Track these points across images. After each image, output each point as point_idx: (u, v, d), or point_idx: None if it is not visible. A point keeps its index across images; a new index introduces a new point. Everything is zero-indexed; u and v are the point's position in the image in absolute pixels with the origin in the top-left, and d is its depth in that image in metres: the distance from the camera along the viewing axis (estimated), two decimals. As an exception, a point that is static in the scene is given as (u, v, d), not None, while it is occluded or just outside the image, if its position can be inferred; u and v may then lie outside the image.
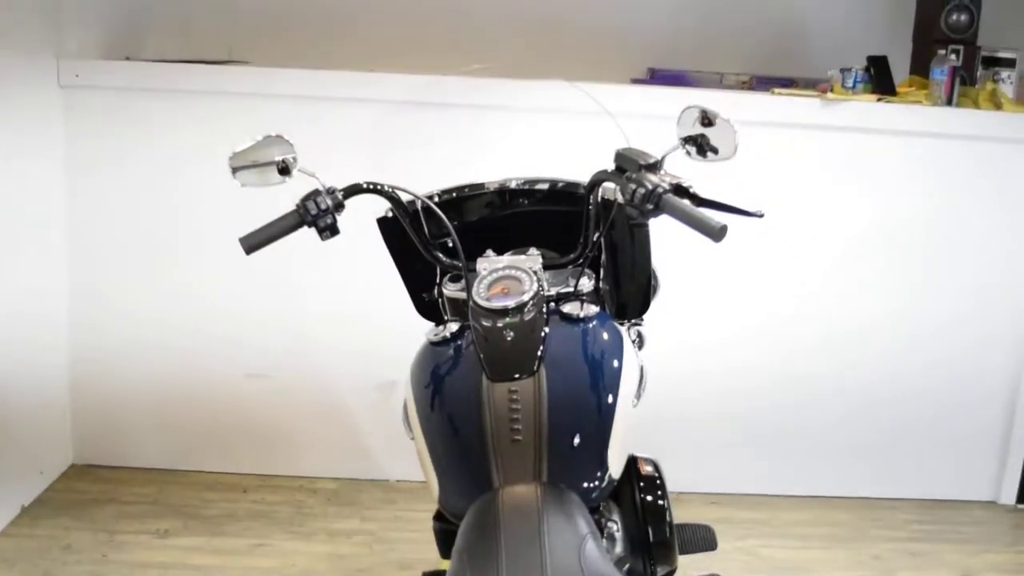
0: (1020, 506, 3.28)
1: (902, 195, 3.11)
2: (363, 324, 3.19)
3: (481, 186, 1.88)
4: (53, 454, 3.32)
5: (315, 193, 1.61)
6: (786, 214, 3.01)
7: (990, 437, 3.27)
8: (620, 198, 1.55)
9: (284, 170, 1.63)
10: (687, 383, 3.10)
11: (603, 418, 1.41)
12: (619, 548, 1.50)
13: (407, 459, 3.18)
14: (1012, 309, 3.17)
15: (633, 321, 1.86)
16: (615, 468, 1.40)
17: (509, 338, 1.46)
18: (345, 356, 3.24)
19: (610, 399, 1.44)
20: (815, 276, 3.17)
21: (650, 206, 1.44)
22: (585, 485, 1.34)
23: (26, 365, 3.14)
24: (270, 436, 3.31)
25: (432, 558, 2.26)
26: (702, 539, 1.82)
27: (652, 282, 1.84)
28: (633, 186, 1.46)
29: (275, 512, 3.10)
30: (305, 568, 2.78)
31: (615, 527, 1.49)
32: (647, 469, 1.65)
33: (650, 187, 1.43)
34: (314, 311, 3.23)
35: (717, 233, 1.34)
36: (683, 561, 1.70)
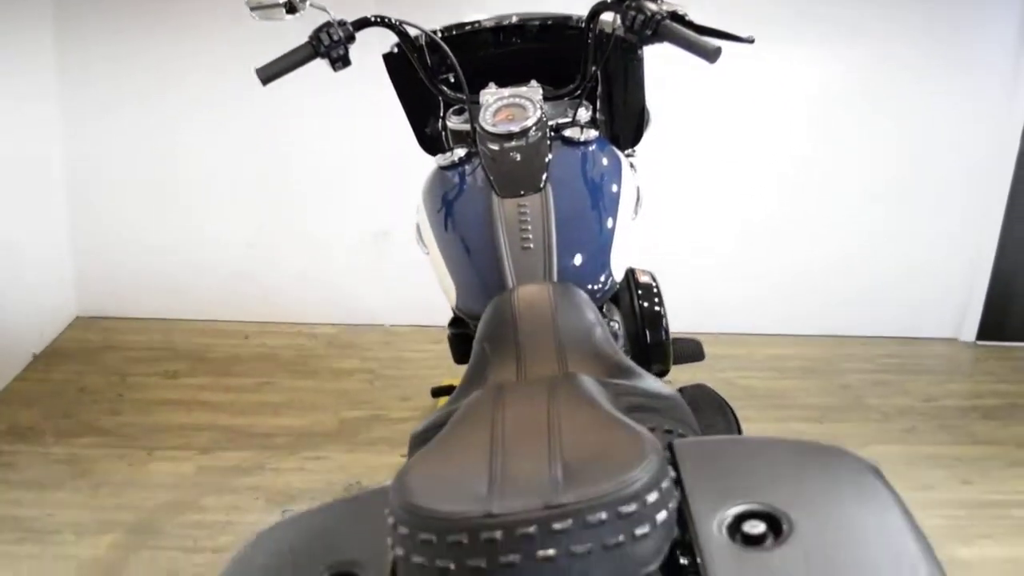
0: (979, 342, 3.47)
1: (872, 46, 3.19)
2: (356, 179, 3.28)
3: (479, 23, 1.96)
4: (59, 306, 3.44)
5: (327, 25, 1.69)
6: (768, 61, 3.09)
7: (953, 278, 3.44)
8: (619, 25, 1.65)
9: (291, 8, 1.70)
10: (665, 223, 3.22)
11: (605, 226, 1.54)
12: (620, 344, 1.65)
13: (402, 306, 3.39)
14: (977, 149, 3.29)
15: (626, 152, 1.97)
16: (617, 272, 1.53)
17: (516, 158, 1.58)
18: (339, 210, 3.35)
19: (611, 209, 1.57)
20: (790, 123, 3.27)
21: (648, 32, 1.55)
22: (590, 286, 1.47)
23: (30, 218, 3.23)
24: (270, 286, 3.44)
25: (433, 383, 2.43)
26: (691, 351, 1.98)
27: (644, 115, 1.95)
28: (632, 13, 1.56)
29: (278, 355, 3.25)
30: (312, 402, 2.95)
31: (617, 326, 1.64)
32: (644, 279, 1.80)
33: (649, 14, 1.54)
34: (310, 167, 3.32)
35: (712, 54, 1.46)
36: (672, 372, 1.86)
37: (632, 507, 0.81)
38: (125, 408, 2.92)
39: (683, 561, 1.01)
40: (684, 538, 1.04)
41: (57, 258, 3.41)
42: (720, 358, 3.24)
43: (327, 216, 3.36)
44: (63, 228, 3.41)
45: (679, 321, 3.31)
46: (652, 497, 0.82)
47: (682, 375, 2.07)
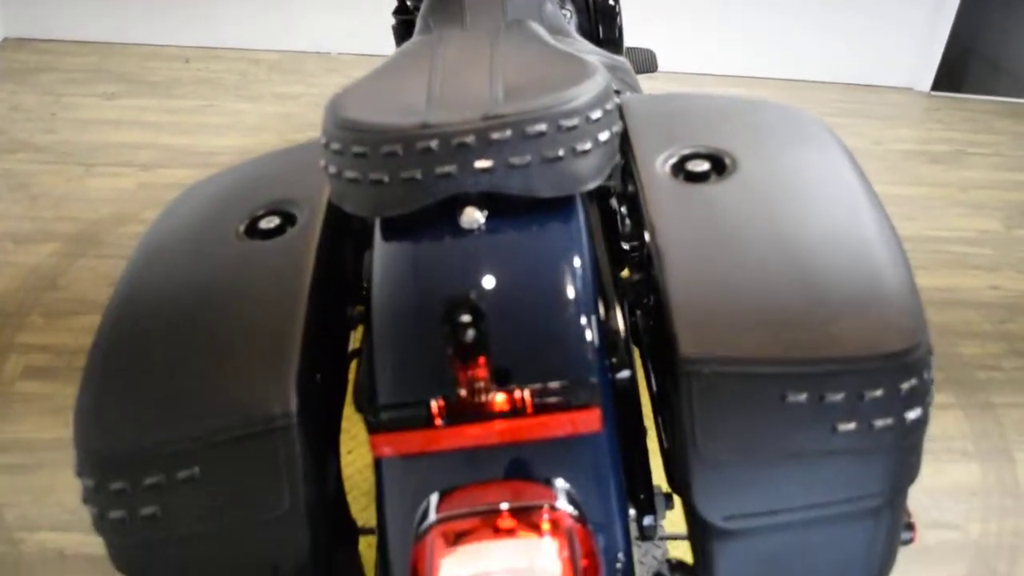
0: (934, 93, 3.45)
1: None
2: None
3: None
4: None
5: None
6: None
7: (915, 28, 3.37)
8: None
9: None
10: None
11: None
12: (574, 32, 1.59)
13: (349, 34, 3.24)
14: None
15: None
16: None
17: None
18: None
19: None
20: None
21: None
22: None
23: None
24: (213, 11, 3.26)
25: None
26: (645, 59, 1.93)
27: None
28: None
29: (221, 79, 3.13)
30: (255, 124, 2.87)
31: (569, 15, 1.57)
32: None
33: None
34: None
35: None
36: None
37: (574, 121, 0.78)
38: (60, 127, 2.82)
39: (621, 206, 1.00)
40: (627, 189, 1.02)
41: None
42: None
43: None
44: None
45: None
46: (595, 115, 0.79)
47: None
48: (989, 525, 1.74)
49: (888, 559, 0.79)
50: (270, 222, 0.90)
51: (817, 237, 0.80)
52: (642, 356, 0.93)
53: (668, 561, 0.74)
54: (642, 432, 0.91)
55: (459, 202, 0.78)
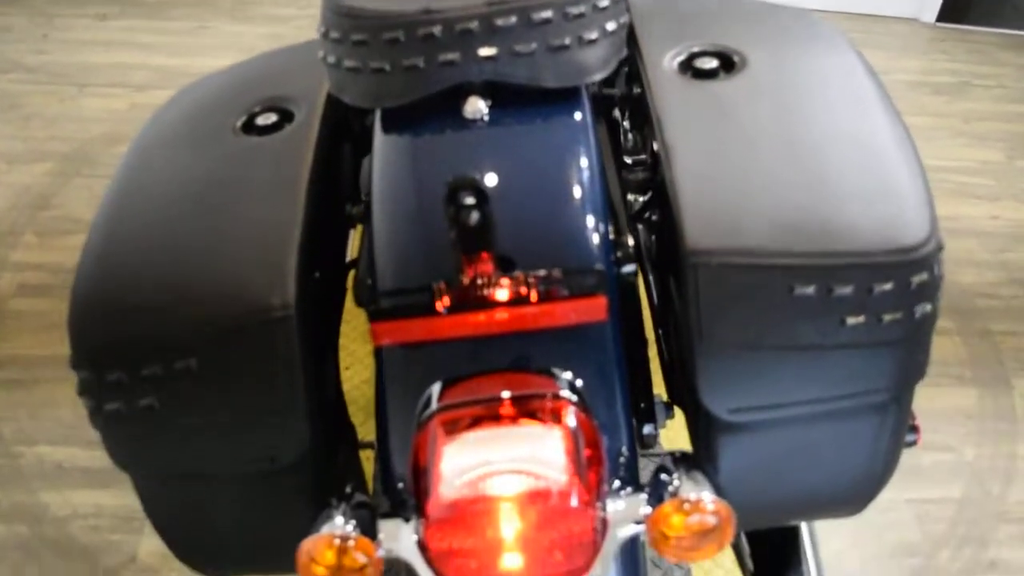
0: (939, 24, 3.40)
1: None
2: None
3: None
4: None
5: None
6: None
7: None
8: None
9: None
10: None
11: None
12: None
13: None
14: None
15: None
16: None
17: None
18: None
19: None
20: None
21: None
22: None
23: None
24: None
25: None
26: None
27: None
28: None
29: (215, 1, 3.07)
30: (249, 45, 2.82)
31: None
32: None
33: None
34: None
35: None
36: None
37: (580, 8, 0.75)
38: (52, 48, 2.77)
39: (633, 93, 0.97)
40: (632, 91, 1.00)
41: None
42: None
43: None
44: None
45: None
46: (603, 3, 0.77)
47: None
48: (984, 448, 1.75)
49: (893, 458, 0.78)
50: (267, 118, 0.88)
51: (827, 133, 0.78)
52: (643, 271, 0.92)
53: (671, 454, 0.73)
54: (643, 340, 0.90)
55: (462, 92, 0.76)
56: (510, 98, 0.76)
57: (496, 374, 0.71)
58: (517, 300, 0.68)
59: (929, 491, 1.65)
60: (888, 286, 0.69)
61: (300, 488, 0.76)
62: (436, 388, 0.71)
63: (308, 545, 0.66)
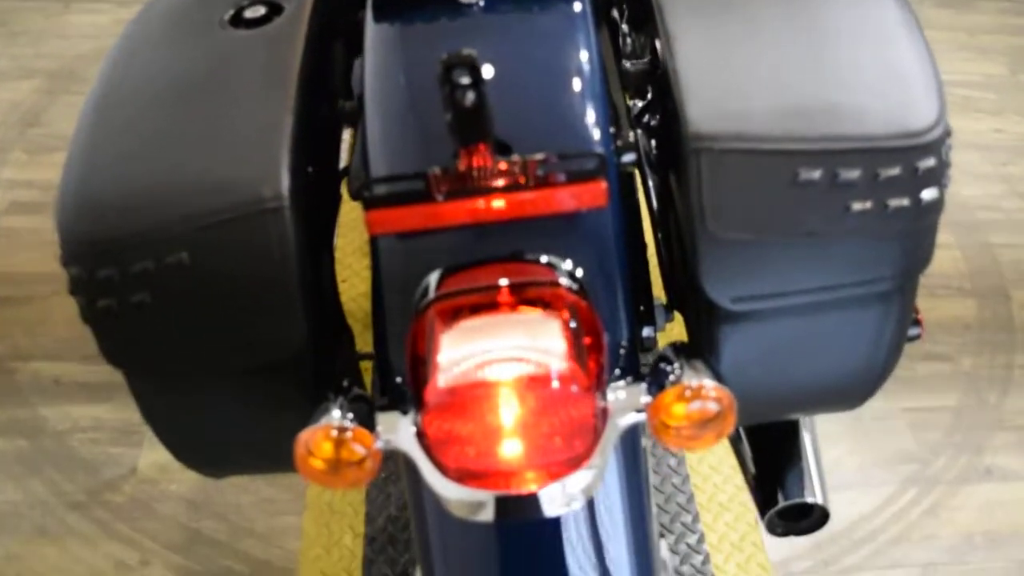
0: (945, -64, 3.33)
1: None
2: None
3: None
4: None
5: None
6: None
7: None
8: None
9: None
10: None
11: None
12: None
13: None
14: None
15: None
16: None
17: None
18: None
19: None
20: None
21: None
22: None
23: None
24: None
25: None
26: None
27: None
28: None
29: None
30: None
31: None
32: None
33: None
34: None
35: None
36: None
37: None
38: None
39: None
40: None
41: None
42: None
43: None
44: None
45: None
46: None
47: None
48: (981, 358, 1.75)
49: (895, 350, 0.77)
50: (256, 11, 0.85)
51: (833, 18, 0.76)
52: (641, 173, 0.90)
53: (672, 345, 0.72)
54: (643, 243, 0.89)
55: None
56: None
57: (495, 263, 0.69)
58: (515, 186, 0.66)
59: (925, 400, 1.66)
60: (894, 171, 0.68)
61: (298, 385, 0.75)
62: (434, 277, 0.69)
63: (305, 437, 0.66)
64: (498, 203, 0.66)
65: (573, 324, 0.64)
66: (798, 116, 0.68)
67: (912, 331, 0.80)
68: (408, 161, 0.70)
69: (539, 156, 0.66)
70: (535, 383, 0.62)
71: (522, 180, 0.66)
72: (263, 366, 0.73)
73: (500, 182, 0.66)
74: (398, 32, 0.75)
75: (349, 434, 0.65)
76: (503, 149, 0.68)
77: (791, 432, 0.94)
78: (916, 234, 0.71)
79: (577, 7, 0.75)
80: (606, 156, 0.68)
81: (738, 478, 1.40)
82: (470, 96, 0.62)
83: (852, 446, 1.57)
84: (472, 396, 0.62)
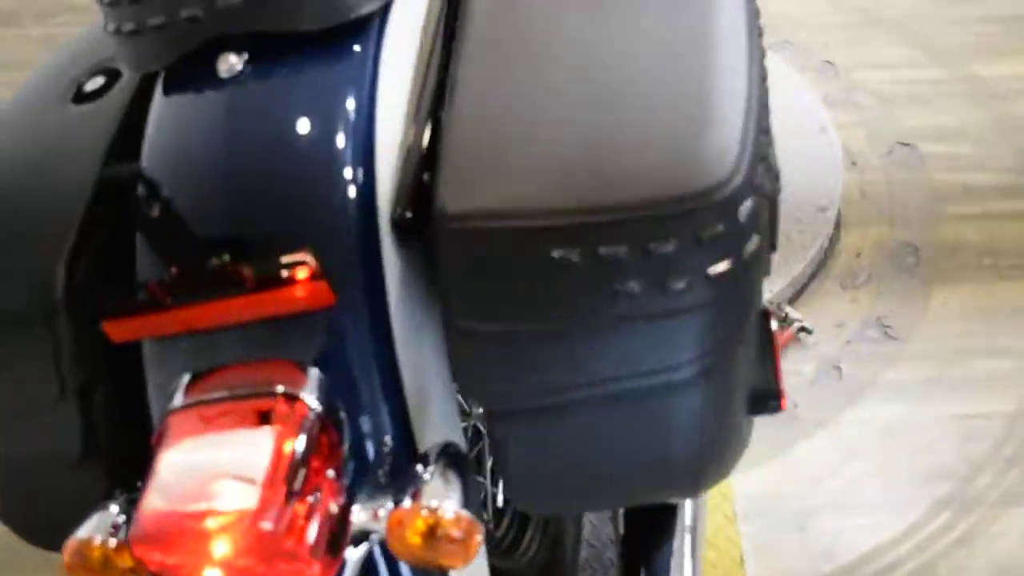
0: None
1: None
2: None
3: None
4: None
5: None
6: None
7: None
8: None
9: None
10: None
11: None
12: None
13: None
14: None
15: None
16: None
17: None
18: None
19: None
20: None
21: None
22: None
23: None
24: None
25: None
26: None
27: None
28: None
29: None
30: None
31: None
32: None
33: None
34: None
35: None
36: None
37: None
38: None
39: None
40: None
41: None
42: None
43: None
44: None
45: None
46: None
47: None
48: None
49: (723, 436, 0.67)
50: (96, 82, 0.82)
51: (635, 46, 0.65)
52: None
53: (444, 445, 0.64)
54: None
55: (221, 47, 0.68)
56: (279, 47, 0.68)
57: (240, 367, 0.64)
58: (237, 289, 0.60)
59: (980, 404, 1.47)
60: (668, 245, 0.57)
61: (92, 479, 0.72)
62: (183, 382, 0.65)
63: (72, 545, 0.63)
64: (218, 308, 0.61)
65: (299, 442, 0.58)
66: (559, 185, 0.59)
67: (768, 404, 0.70)
68: (146, 260, 0.66)
69: (257, 257, 0.60)
70: (238, 517, 0.56)
71: (243, 282, 0.60)
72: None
73: (222, 285, 0.61)
74: (163, 111, 0.70)
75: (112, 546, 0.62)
76: (232, 247, 0.62)
77: (668, 513, 0.84)
78: (713, 311, 0.60)
79: (349, 62, 0.68)
80: (343, 253, 0.61)
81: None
82: (156, 209, 0.58)
83: (881, 461, 1.41)
84: (176, 528, 0.57)
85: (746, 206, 0.58)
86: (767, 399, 0.70)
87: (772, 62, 2.13)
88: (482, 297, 0.60)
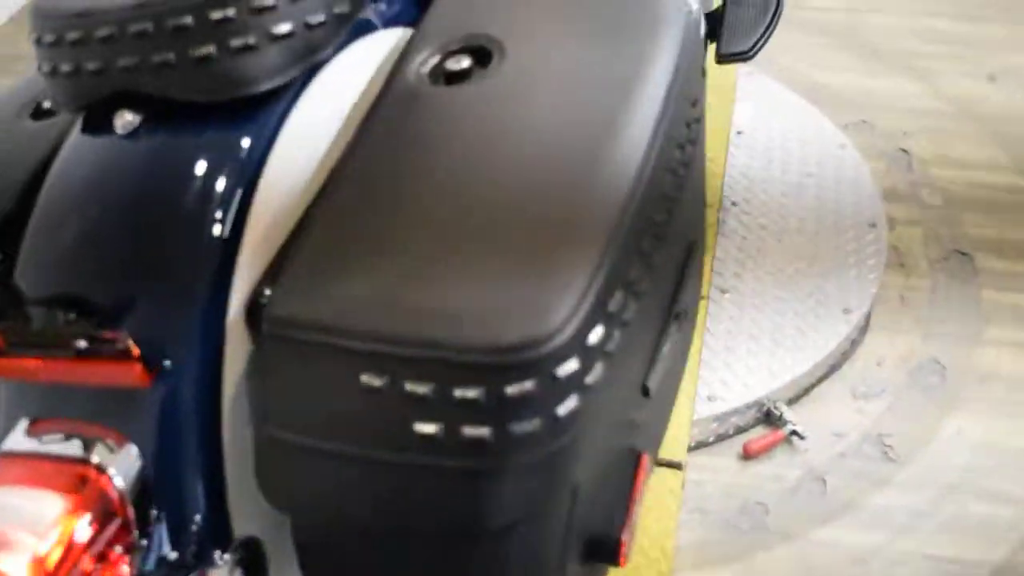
0: None
1: None
2: None
3: None
4: None
5: None
6: None
7: None
8: None
9: None
10: None
11: None
12: None
13: None
14: None
15: None
16: None
17: None
18: None
19: None
20: None
21: None
22: None
23: None
24: None
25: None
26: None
27: None
28: None
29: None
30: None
31: None
32: None
33: None
34: None
35: None
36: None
37: (226, 12, 0.65)
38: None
39: None
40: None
41: None
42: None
43: None
44: None
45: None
46: (265, 1, 0.66)
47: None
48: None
49: None
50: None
51: (513, 191, 0.64)
52: None
53: (248, 540, 0.64)
54: None
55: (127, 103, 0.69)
56: (187, 111, 0.68)
57: (69, 421, 0.65)
58: (57, 351, 0.61)
59: (961, 549, 1.39)
60: (473, 393, 0.56)
61: None
62: (21, 426, 0.66)
63: None
64: (38, 365, 0.62)
65: (84, 520, 0.58)
66: (382, 312, 0.58)
67: (602, 558, 0.67)
68: (5, 305, 0.67)
69: (78, 325, 0.61)
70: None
71: (66, 347, 0.61)
72: None
73: (45, 344, 0.62)
74: (65, 154, 0.71)
75: None
76: (70, 306, 0.63)
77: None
78: (519, 472, 0.58)
79: (238, 132, 0.68)
80: (173, 333, 0.62)
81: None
82: (22, 250, 0.59)
83: None
84: None
85: (568, 366, 0.56)
86: (602, 555, 0.67)
87: (840, 144, 2.03)
88: (290, 406, 0.59)
